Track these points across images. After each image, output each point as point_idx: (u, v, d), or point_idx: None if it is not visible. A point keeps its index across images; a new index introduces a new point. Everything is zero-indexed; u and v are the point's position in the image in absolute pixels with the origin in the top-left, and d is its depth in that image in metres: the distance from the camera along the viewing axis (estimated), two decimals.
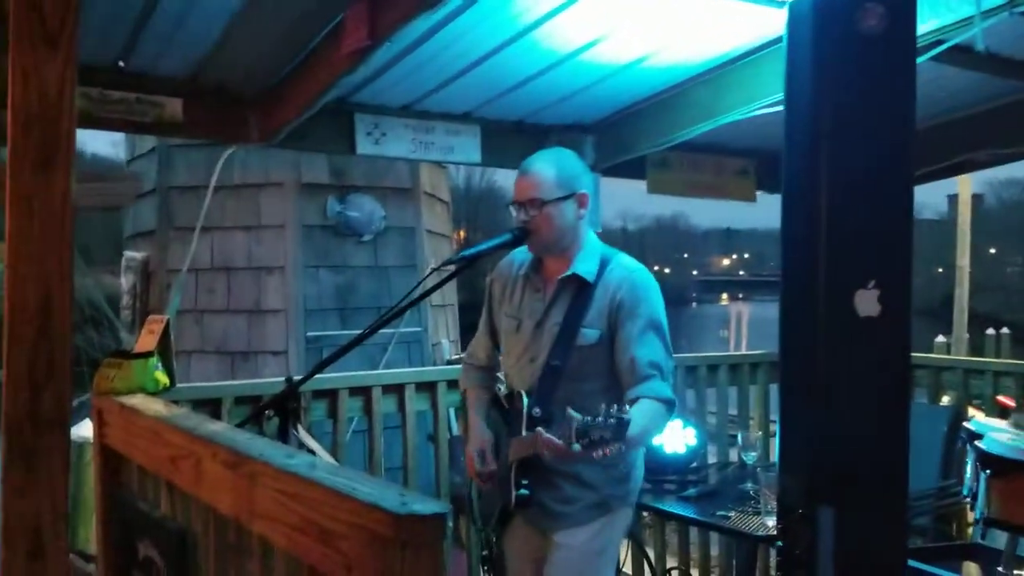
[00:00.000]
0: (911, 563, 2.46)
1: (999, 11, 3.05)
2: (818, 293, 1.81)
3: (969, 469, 2.75)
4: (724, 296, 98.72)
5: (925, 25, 3.13)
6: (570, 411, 2.51)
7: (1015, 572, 2.84)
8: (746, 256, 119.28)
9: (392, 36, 3.18)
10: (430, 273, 3.39)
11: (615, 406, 2.48)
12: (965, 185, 11.54)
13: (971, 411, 4.82)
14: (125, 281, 6.96)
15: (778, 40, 3.76)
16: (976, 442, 2.70)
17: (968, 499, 2.79)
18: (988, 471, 2.65)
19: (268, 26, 3.55)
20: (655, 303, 2.90)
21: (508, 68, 4.07)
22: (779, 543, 2.03)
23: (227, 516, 1.96)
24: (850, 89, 1.85)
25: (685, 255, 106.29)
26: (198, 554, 2.15)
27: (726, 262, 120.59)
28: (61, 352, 2.14)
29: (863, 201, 1.82)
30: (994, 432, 2.78)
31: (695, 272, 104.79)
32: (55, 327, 2.13)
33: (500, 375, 3.25)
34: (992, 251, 52.52)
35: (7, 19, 2.04)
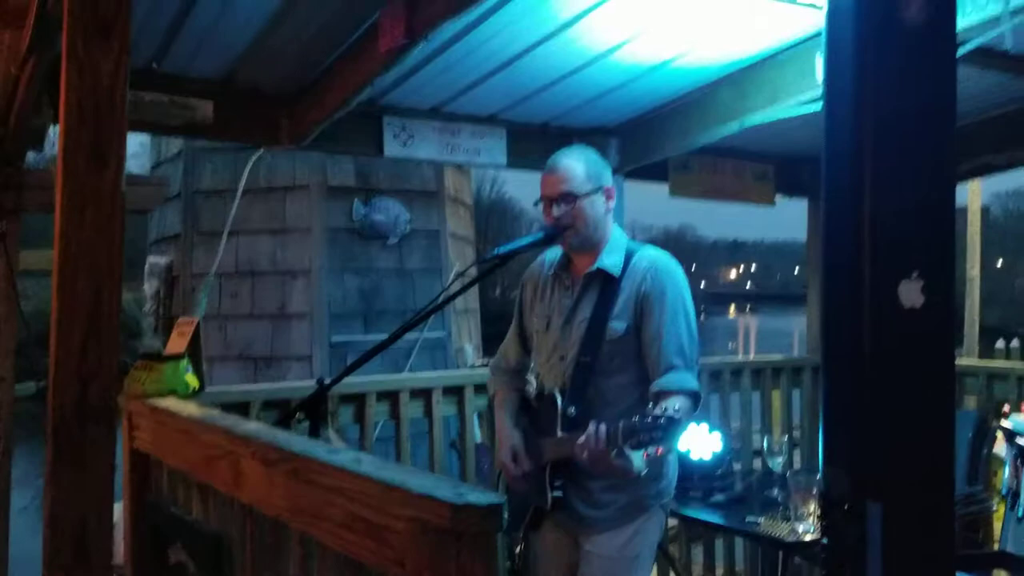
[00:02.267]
0: None
1: None
2: (863, 284, 1.80)
3: (1008, 467, 2.73)
4: (732, 308, 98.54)
5: None
6: (608, 425, 2.51)
7: None
8: (753, 268, 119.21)
9: (429, 34, 3.16)
10: (455, 278, 3.37)
11: (662, 406, 2.47)
12: (975, 195, 11.52)
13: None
14: (148, 286, 6.94)
15: (801, 40, 3.78)
16: (1017, 439, 2.68)
17: (1007, 498, 2.77)
18: None
19: (303, 27, 3.55)
20: (681, 290, 2.89)
21: (536, 70, 4.06)
22: (824, 539, 2.01)
23: (266, 516, 1.93)
24: (893, 80, 1.84)
25: (693, 267, 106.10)
26: (234, 557, 2.12)
27: (733, 274, 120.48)
28: (109, 347, 2.13)
29: (907, 192, 1.81)
30: None
31: (703, 284, 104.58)
32: (104, 322, 2.13)
33: (530, 377, 3.23)
34: (999, 263, 52.25)
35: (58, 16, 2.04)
